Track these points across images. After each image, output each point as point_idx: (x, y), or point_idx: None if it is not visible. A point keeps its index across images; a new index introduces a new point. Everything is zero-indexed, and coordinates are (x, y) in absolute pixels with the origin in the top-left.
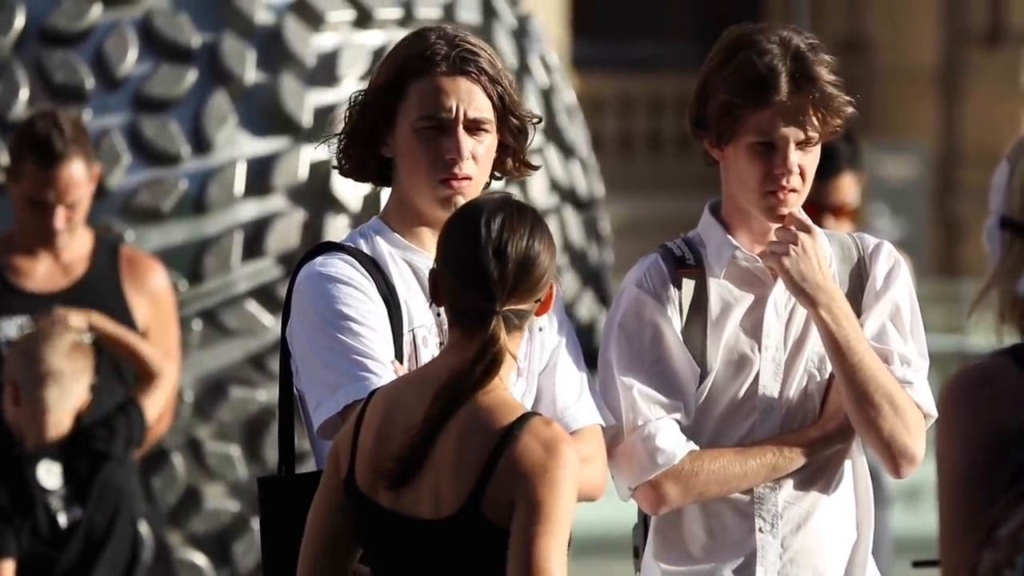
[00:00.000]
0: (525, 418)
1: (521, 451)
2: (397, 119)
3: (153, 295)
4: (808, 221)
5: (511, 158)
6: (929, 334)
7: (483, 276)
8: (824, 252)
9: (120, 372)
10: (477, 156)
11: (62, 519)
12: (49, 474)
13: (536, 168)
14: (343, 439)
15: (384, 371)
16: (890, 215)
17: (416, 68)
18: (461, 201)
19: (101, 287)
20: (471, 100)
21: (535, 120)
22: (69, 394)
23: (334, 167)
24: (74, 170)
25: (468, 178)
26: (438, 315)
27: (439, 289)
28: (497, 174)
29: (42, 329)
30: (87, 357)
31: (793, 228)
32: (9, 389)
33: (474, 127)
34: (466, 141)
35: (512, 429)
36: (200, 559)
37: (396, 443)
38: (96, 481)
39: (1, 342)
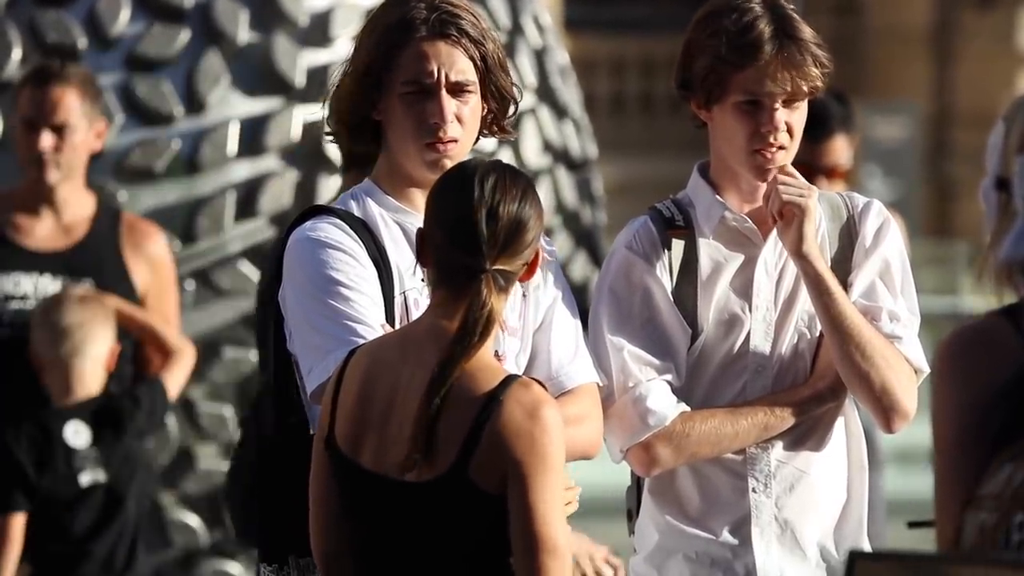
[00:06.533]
0: (507, 383)
1: (505, 419)
2: (385, 86)
3: (153, 261)
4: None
5: (491, 121)
6: (921, 295)
7: (474, 234)
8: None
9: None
10: (462, 118)
11: (83, 479)
12: (77, 435)
13: (512, 137)
14: (324, 399)
15: (374, 335)
16: (882, 176)
17: (397, 36)
18: (448, 164)
19: (101, 250)
20: (452, 63)
21: (517, 95)
22: (86, 345)
23: (327, 134)
24: (68, 96)
25: (453, 141)
26: (422, 280)
27: (426, 248)
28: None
29: (52, 295)
30: (101, 308)
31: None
32: (34, 361)
33: (457, 89)
34: (449, 104)
35: (495, 395)
36: (193, 519)
37: (379, 405)
38: (120, 449)
39: None
